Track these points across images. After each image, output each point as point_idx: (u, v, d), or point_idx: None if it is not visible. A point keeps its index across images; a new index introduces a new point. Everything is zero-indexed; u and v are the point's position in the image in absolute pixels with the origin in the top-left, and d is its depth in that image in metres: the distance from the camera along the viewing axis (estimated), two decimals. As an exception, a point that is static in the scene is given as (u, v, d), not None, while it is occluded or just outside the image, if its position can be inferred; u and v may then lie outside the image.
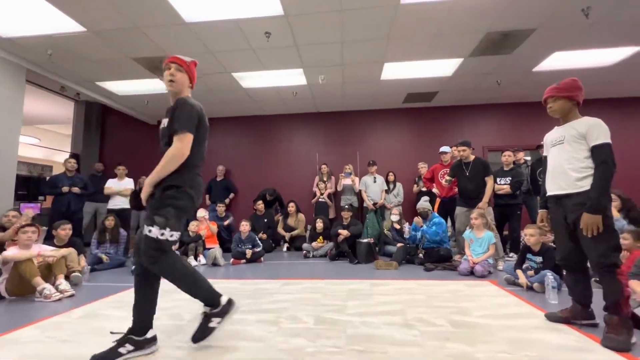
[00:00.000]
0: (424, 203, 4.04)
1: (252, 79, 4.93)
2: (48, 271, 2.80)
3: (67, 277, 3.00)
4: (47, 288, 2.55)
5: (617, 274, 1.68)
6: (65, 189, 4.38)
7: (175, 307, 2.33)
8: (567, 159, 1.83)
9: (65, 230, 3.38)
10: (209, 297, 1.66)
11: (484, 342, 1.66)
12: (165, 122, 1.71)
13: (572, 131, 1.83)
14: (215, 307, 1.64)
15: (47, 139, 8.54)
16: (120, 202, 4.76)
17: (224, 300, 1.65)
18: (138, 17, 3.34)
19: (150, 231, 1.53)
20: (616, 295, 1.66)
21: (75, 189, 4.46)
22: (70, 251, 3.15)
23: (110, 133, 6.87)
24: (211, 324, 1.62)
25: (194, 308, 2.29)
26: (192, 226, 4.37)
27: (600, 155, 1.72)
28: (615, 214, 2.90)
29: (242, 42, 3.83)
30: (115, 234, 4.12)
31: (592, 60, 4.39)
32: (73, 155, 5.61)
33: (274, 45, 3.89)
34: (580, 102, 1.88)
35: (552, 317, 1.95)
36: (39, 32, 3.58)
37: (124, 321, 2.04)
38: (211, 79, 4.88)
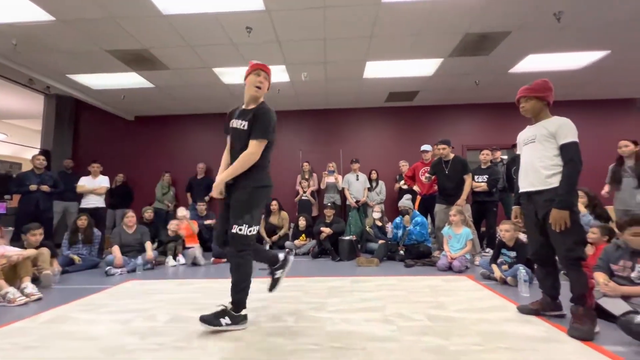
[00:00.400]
0: (405, 201, 4.08)
1: (233, 75, 4.84)
2: (13, 273, 2.64)
3: (35, 279, 2.85)
4: (11, 292, 2.41)
5: (583, 266, 1.77)
6: (33, 187, 4.15)
7: (151, 308, 2.26)
8: (539, 157, 1.90)
9: (35, 236, 3.06)
10: (272, 260, 2.11)
11: (458, 335, 1.71)
12: (242, 123, 1.91)
13: (543, 130, 1.90)
14: (276, 263, 2.09)
15: (15, 135, 8.07)
16: (94, 201, 4.55)
17: (281, 257, 2.14)
18: (112, 7, 3.20)
19: (240, 230, 1.80)
20: (581, 287, 1.74)
21: (44, 187, 4.23)
22: (42, 252, 2.99)
23: (84, 129, 6.57)
24: (276, 276, 2.09)
25: (170, 309, 2.23)
26: (172, 225, 4.25)
27: (568, 153, 1.79)
28: (582, 209, 3.04)
29: (222, 37, 3.75)
30: (89, 234, 3.94)
31: (563, 63, 4.59)
32: (42, 152, 5.31)
33: (255, 41, 3.83)
34: (551, 102, 1.96)
35: (523, 310, 2.02)
36: (2, 20, 3.36)
37: (94, 324, 1.96)
38: (190, 73, 4.75)
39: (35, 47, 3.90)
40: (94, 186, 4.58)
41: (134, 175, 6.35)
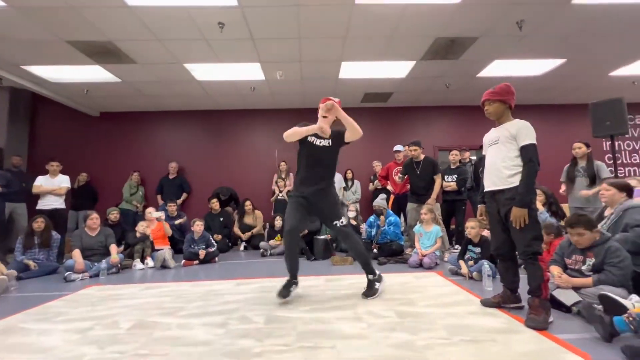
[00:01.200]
0: (380, 201, 4.14)
1: (206, 71, 4.70)
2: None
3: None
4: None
5: (539, 260, 1.88)
6: (-18, 187, 3.81)
7: (113, 315, 2.14)
8: (501, 157, 1.99)
9: None
10: (371, 269, 2.45)
11: (425, 330, 1.76)
12: (326, 142, 2.65)
13: (505, 132, 2.00)
14: (375, 275, 2.43)
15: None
16: (53, 202, 4.24)
17: (378, 271, 2.50)
18: (71, -4, 3.00)
19: (342, 223, 2.36)
20: (537, 280, 1.85)
21: (-4, 187, 3.90)
22: None
23: (42, 124, 6.11)
24: (377, 286, 2.39)
25: (134, 315, 2.12)
26: (140, 227, 4.07)
27: (527, 154, 1.90)
28: (539, 207, 3.24)
29: (193, 32, 3.63)
30: (46, 237, 3.67)
31: (525, 69, 4.87)
32: (-6, 149, 4.89)
33: (228, 37, 3.74)
34: (513, 105, 2.06)
35: (486, 303, 2.12)
36: (-57, 3, 3.05)
37: (48, 335, 1.83)
38: (160, 69, 4.56)
39: (-17, 34, 3.58)
40: (53, 186, 4.28)
41: (99, 174, 5.99)
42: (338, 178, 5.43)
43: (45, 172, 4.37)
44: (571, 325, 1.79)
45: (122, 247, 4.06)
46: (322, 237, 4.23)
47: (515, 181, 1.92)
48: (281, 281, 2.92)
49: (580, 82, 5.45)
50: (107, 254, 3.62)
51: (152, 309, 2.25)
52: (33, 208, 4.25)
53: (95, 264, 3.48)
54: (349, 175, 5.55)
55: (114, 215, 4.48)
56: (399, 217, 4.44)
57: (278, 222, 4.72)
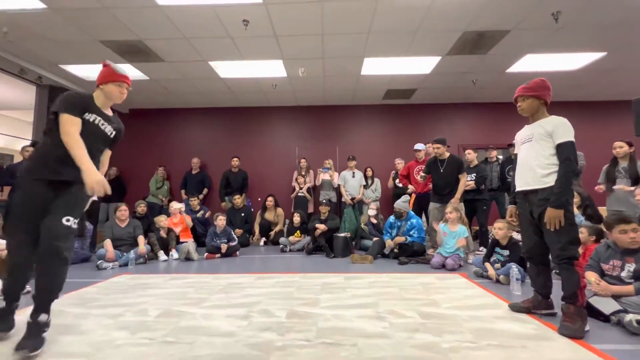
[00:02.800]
0: (402, 203, 3.97)
1: (230, 69, 4.78)
2: (3, 266, 2.59)
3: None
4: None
5: (575, 265, 1.77)
6: (24, 178, 4.07)
7: (142, 303, 2.23)
8: (535, 156, 1.89)
9: None
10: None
11: (450, 332, 1.71)
12: (110, 130, 1.84)
13: (540, 129, 1.89)
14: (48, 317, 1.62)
15: (7, 126, 7.92)
16: (87, 194, 4.48)
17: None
18: (105, -3, 3.13)
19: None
20: (573, 286, 1.75)
21: (36, 179, 4.16)
22: None
23: (77, 121, 6.45)
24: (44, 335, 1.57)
25: (161, 304, 2.20)
26: (161, 221, 4.21)
27: (563, 152, 1.79)
28: (574, 210, 3.06)
29: (219, 29, 3.69)
30: (80, 227, 3.88)
31: (560, 64, 4.60)
32: (33, 143, 5.21)
33: (252, 35, 3.78)
34: (548, 101, 1.95)
35: (515, 308, 2.03)
36: (-8, 7, 3.28)
37: (84, 318, 1.94)
38: (186, 66, 4.69)
39: (26, 35, 3.82)
40: (87, 179, 4.51)
41: (128, 168, 6.27)
42: (359, 176, 5.38)
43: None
44: (610, 335, 1.68)
45: (146, 240, 4.22)
46: (341, 234, 4.21)
47: (550, 181, 1.82)
48: (301, 277, 2.93)
49: (621, 77, 5.08)
50: (136, 244, 3.79)
51: (177, 298, 2.33)
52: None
53: (124, 253, 3.65)
54: (369, 173, 5.48)
55: (141, 207, 4.67)
56: (421, 217, 4.34)
57: (297, 218, 4.76)
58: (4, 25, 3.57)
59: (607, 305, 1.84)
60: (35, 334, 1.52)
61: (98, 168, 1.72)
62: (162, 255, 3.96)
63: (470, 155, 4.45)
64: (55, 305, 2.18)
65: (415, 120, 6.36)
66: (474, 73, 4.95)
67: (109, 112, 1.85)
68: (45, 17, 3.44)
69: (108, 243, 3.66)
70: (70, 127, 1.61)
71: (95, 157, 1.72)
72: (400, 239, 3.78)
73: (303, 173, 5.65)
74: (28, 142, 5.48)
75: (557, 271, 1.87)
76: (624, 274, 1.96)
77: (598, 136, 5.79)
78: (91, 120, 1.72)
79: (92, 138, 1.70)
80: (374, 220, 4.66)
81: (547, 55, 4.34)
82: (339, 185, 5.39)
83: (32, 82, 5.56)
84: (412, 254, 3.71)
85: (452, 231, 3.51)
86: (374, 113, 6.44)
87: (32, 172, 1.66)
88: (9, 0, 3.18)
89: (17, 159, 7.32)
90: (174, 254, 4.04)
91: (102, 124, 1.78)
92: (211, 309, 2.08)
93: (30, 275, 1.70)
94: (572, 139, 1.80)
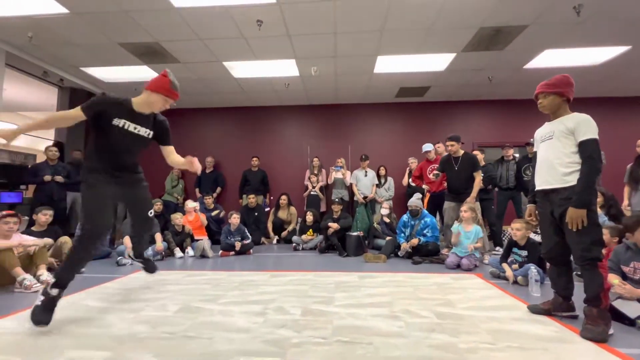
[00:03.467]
0: (415, 200, 3.95)
1: (243, 69, 4.83)
2: (29, 261, 2.72)
3: (51, 269, 2.95)
4: (28, 278, 2.48)
5: (599, 267, 1.72)
6: (47, 177, 4.24)
7: (162, 298, 2.30)
8: (556, 154, 1.84)
9: (45, 216, 3.31)
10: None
11: (467, 333, 1.69)
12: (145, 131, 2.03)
13: (561, 127, 1.84)
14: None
15: (30, 127, 8.23)
16: (106, 192, 4.63)
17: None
18: (124, 0, 3.22)
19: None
20: (596, 288, 1.70)
21: (58, 178, 4.33)
22: (66, 240, 3.14)
23: (96, 121, 6.66)
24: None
25: (180, 300, 2.26)
26: (176, 219, 4.30)
27: (586, 150, 1.74)
28: (597, 209, 2.96)
29: (233, 30, 3.74)
30: (101, 224, 4.02)
31: (581, 59, 4.45)
32: (56, 144, 5.42)
33: (266, 35, 3.81)
34: (571, 98, 1.89)
35: (534, 309, 1.99)
36: (19, 12, 3.41)
37: (106, 312, 2.01)
38: (201, 67, 4.77)
39: (50, 40, 3.96)
40: (106, 178, 4.66)
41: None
42: (371, 175, 5.36)
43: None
44: (635, 340, 1.63)
45: (163, 237, 4.32)
46: (354, 233, 4.21)
47: (572, 180, 1.77)
48: (315, 275, 2.95)
49: (646, 72, 4.88)
50: (153, 241, 3.89)
51: (195, 294, 2.38)
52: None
53: None
54: (382, 172, 5.44)
55: (157, 206, 4.77)
56: (435, 216, 4.29)
57: (309, 217, 4.77)
58: (29, 30, 3.72)
59: (632, 309, 1.78)
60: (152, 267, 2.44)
61: (136, 164, 2.17)
62: (178, 252, 4.05)
63: (478, 156, 4.35)
64: (77, 299, 2.28)
65: (429, 119, 6.28)
66: (489, 70, 4.84)
67: (146, 112, 1.95)
68: (68, 22, 3.57)
69: (127, 240, 3.76)
70: (66, 111, 1.81)
71: (134, 155, 2.08)
72: (414, 242, 3.74)
73: (316, 172, 5.66)
74: (50, 143, 5.69)
75: (579, 272, 1.82)
76: (648, 277, 1.90)
77: (621, 133, 5.58)
78: (120, 125, 1.82)
79: (128, 140, 1.88)
80: (387, 220, 4.64)
81: (566, 50, 4.20)
82: (351, 184, 5.38)
83: (55, 84, 5.78)
84: (426, 254, 3.67)
85: (466, 231, 3.45)
86: (386, 111, 6.38)
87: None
88: (34, 6, 3.31)
89: (40, 158, 7.61)
90: (190, 251, 4.13)
91: (135, 128, 1.89)
92: (228, 306, 2.12)
93: None
94: (596, 137, 1.75)
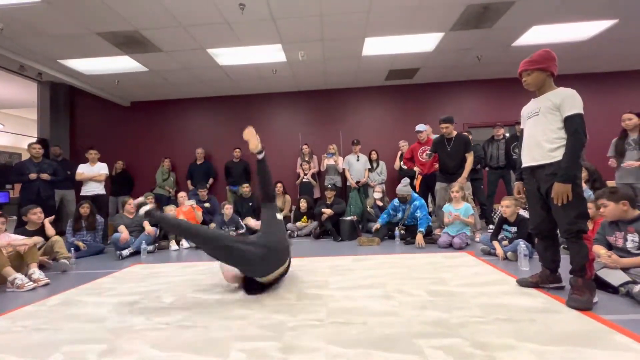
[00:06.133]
0: (403, 188, 3.89)
1: (229, 56, 4.71)
2: (20, 261, 2.68)
3: (42, 266, 2.94)
4: (19, 278, 2.45)
5: (584, 239, 1.77)
6: (32, 175, 4.15)
7: (157, 290, 2.30)
8: (542, 130, 1.85)
9: (36, 215, 3.26)
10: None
11: (458, 308, 1.73)
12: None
13: (547, 102, 1.84)
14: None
15: (12, 124, 7.99)
16: (95, 188, 4.56)
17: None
18: (98, -14, 3.07)
19: None
20: (582, 259, 1.75)
21: (44, 176, 4.23)
22: (57, 239, 3.13)
23: (80, 116, 6.48)
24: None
25: (175, 291, 2.27)
26: (170, 211, 4.27)
27: (572, 125, 1.75)
28: (582, 184, 3.02)
29: (215, 15, 3.61)
30: (92, 221, 3.97)
31: (569, 34, 4.43)
32: (39, 141, 5.27)
33: (249, 19, 3.69)
34: (555, 72, 1.89)
35: (522, 283, 2.05)
36: (-14, 3, 3.24)
37: (101, 307, 2.01)
38: (184, 55, 4.62)
39: (23, 31, 3.79)
40: (93, 173, 4.58)
41: (134, 161, 6.32)
42: (363, 159, 5.35)
43: (85, 161, 4.69)
44: (619, 306, 1.70)
45: (157, 231, 4.31)
46: (348, 218, 4.24)
47: (558, 155, 1.79)
48: (310, 261, 2.98)
49: (634, 46, 4.89)
50: (143, 230, 3.88)
51: (190, 285, 2.39)
52: (77, 195, 4.60)
53: (134, 239, 3.78)
54: (374, 156, 5.44)
55: (149, 200, 4.73)
56: (428, 198, 4.33)
57: (303, 204, 4.78)
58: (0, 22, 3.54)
59: (615, 277, 1.85)
60: None
61: None
62: (173, 244, 4.05)
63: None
64: (72, 295, 2.28)
65: (419, 101, 6.25)
66: (478, 49, 4.80)
67: None
68: (40, 11, 3.40)
69: (122, 227, 3.78)
70: None
71: None
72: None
73: (307, 159, 5.63)
74: (34, 140, 5.54)
75: (565, 246, 1.87)
76: (629, 245, 1.96)
77: (605, 109, 5.64)
78: None
79: None
80: (380, 203, 4.67)
81: (554, 26, 4.17)
82: (343, 169, 5.38)
83: (33, 79, 5.56)
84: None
85: (456, 209, 3.50)
86: (376, 95, 6.33)
87: None
88: (2, -5, 3.13)
89: (25, 156, 7.42)
90: (184, 243, 4.13)
91: None
92: (224, 294, 2.14)
93: None
94: (581, 111, 1.76)
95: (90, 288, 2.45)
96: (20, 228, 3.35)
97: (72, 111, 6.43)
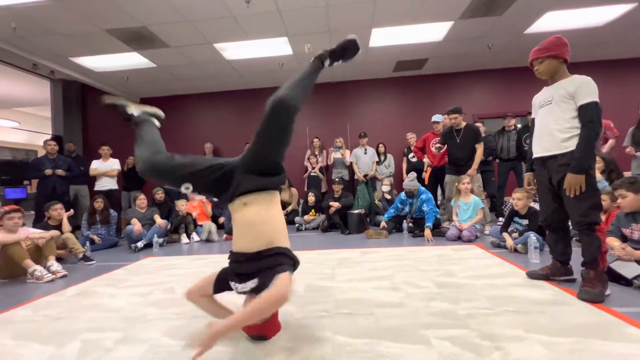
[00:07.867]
0: (409, 182, 3.85)
1: (235, 50, 4.71)
2: (38, 253, 2.79)
3: (60, 259, 3.05)
4: (38, 269, 2.55)
5: (597, 231, 1.73)
6: (48, 171, 4.27)
7: (169, 282, 2.36)
8: (554, 119, 1.80)
9: (56, 210, 3.42)
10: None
11: (466, 300, 1.73)
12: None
13: (561, 90, 1.79)
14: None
15: (27, 122, 8.22)
16: (108, 183, 4.69)
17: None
18: (105, -17, 3.10)
19: None
20: (594, 251, 1.71)
21: (59, 171, 4.36)
22: (68, 237, 3.22)
23: (92, 113, 6.61)
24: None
25: (187, 283, 2.32)
26: (182, 205, 4.34)
27: (587, 114, 1.70)
28: (597, 175, 2.94)
29: (221, 9, 3.61)
30: (106, 215, 4.08)
31: (584, 20, 4.27)
32: (54, 138, 5.41)
33: (255, 12, 3.68)
34: (568, 59, 1.83)
35: (532, 275, 2.02)
36: (-1, 3, 3.31)
37: (116, 297, 2.07)
38: (191, 51, 4.65)
39: (34, 30, 3.86)
40: (106, 169, 4.69)
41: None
42: (371, 152, 5.32)
43: (98, 157, 4.80)
44: (632, 299, 1.66)
45: (168, 225, 4.39)
46: (355, 211, 4.24)
47: (571, 145, 1.74)
48: (318, 253, 3.00)
49: (653, 31, 4.69)
50: (154, 224, 4.01)
51: (201, 277, 2.43)
52: (91, 190, 4.73)
53: (146, 232, 3.90)
54: (382, 149, 5.40)
55: (159, 195, 4.82)
56: (437, 191, 4.29)
57: (311, 197, 4.80)
58: (11, 21, 3.62)
59: (629, 269, 1.81)
60: None
61: None
62: (184, 238, 4.13)
63: (480, 128, 4.28)
64: (88, 286, 2.35)
65: (428, 92, 6.14)
66: (489, 37, 4.68)
67: None
68: (51, 9, 3.46)
69: (135, 220, 3.91)
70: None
71: None
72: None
73: (316, 152, 5.63)
74: (49, 137, 5.68)
75: (577, 238, 1.83)
76: (646, 237, 1.91)
77: (623, 97, 5.45)
78: None
79: None
80: (388, 196, 4.66)
81: (569, 11, 4.03)
82: (351, 162, 5.36)
83: (45, 76, 5.68)
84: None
85: (465, 202, 3.46)
86: (384, 87, 6.25)
87: None
88: (14, -5, 3.20)
89: (41, 153, 7.63)
90: (195, 236, 4.20)
91: None
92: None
93: None
94: (597, 99, 1.70)
95: (105, 279, 2.53)
96: (42, 222, 3.48)
97: (84, 108, 6.56)
